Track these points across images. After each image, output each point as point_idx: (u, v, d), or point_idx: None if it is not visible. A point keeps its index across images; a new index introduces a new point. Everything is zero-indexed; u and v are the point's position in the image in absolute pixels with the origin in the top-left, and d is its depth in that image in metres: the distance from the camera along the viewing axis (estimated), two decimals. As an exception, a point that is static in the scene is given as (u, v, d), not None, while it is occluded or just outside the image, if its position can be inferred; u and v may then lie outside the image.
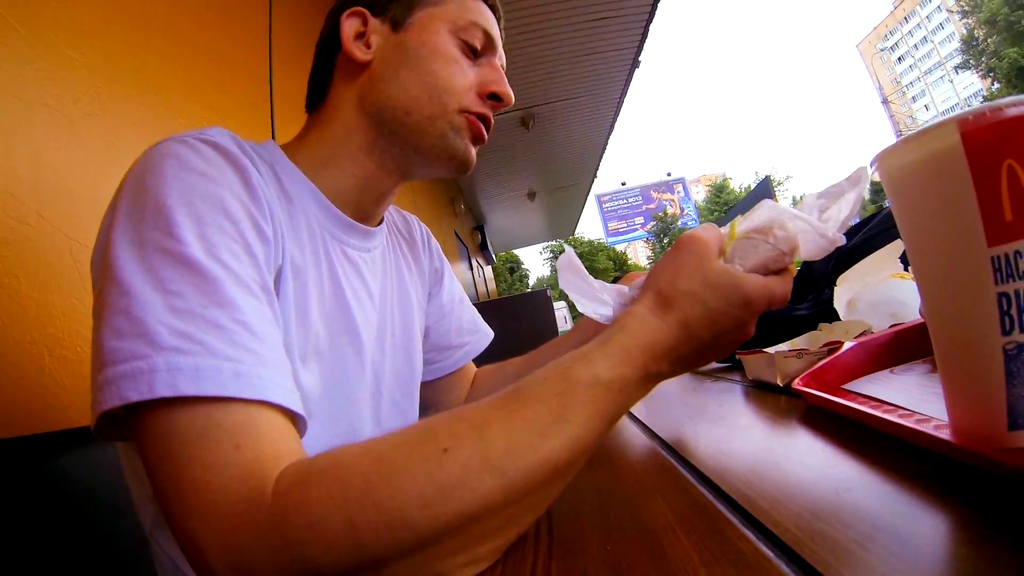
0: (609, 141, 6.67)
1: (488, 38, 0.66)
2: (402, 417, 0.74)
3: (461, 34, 0.64)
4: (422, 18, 0.64)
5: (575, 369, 0.37)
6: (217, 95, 1.36)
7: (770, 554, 0.27)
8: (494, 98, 0.66)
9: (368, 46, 0.64)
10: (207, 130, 0.52)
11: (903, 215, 0.33)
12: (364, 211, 0.68)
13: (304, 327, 0.56)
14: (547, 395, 0.36)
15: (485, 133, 0.66)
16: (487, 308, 4.18)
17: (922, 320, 0.53)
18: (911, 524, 0.26)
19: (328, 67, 0.67)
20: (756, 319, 0.41)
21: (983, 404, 0.29)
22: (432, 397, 0.91)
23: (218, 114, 1.33)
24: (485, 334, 0.94)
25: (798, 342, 0.66)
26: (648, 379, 0.39)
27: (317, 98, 0.68)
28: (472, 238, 8.80)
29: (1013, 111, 0.27)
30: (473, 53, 0.65)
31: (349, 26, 0.64)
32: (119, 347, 0.36)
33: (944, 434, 0.32)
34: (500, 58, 0.69)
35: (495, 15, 0.69)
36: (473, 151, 0.67)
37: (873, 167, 0.35)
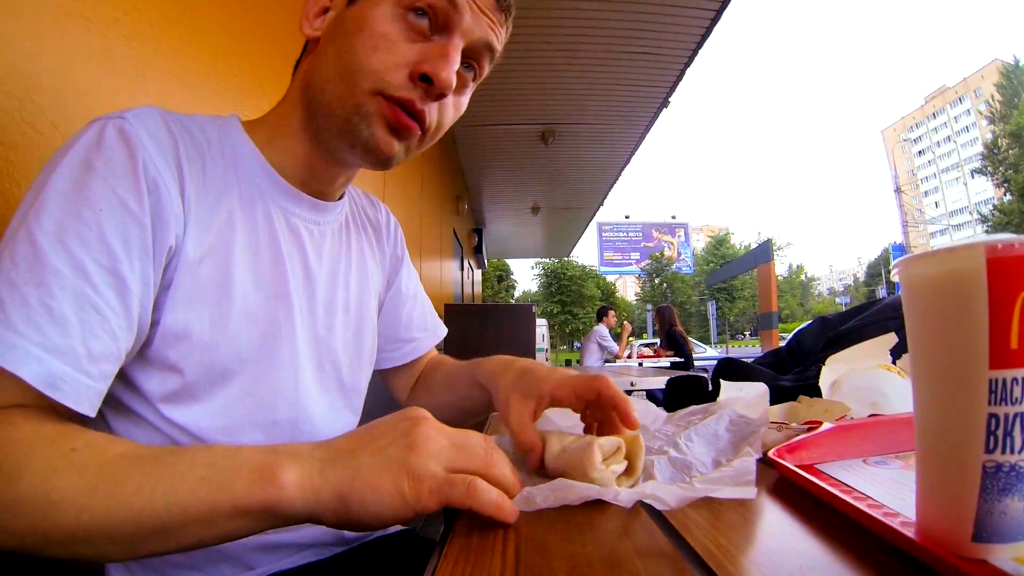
0: (623, 173, 6.72)
1: (452, 6, 0.55)
2: (345, 395, 0.72)
3: (410, 6, 0.55)
4: None
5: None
6: (252, 41, 1.37)
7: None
8: (426, 80, 0.55)
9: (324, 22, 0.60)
10: (130, 112, 0.53)
11: (915, 321, 0.34)
12: (313, 189, 0.66)
13: (224, 288, 0.56)
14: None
15: (410, 122, 0.57)
16: (473, 311, 4.18)
17: (901, 416, 0.55)
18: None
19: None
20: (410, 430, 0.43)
21: (953, 510, 0.30)
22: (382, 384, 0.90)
23: (247, 60, 1.33)
24: (434, 333, 0.90)
25: (776, 411, 0.67)
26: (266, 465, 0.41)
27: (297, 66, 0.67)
28: (469, 239, 8.79)
29: (1040, 247, 0.29)
30: (430, 29, 0.56)
31: (313, 1, 0.61)
32: None
33: (909, 531, 0.33)
34: (465, 33, 0.57)
35: None
36: (389, 142, 0.57)
37: (895, 270, 0.36)
